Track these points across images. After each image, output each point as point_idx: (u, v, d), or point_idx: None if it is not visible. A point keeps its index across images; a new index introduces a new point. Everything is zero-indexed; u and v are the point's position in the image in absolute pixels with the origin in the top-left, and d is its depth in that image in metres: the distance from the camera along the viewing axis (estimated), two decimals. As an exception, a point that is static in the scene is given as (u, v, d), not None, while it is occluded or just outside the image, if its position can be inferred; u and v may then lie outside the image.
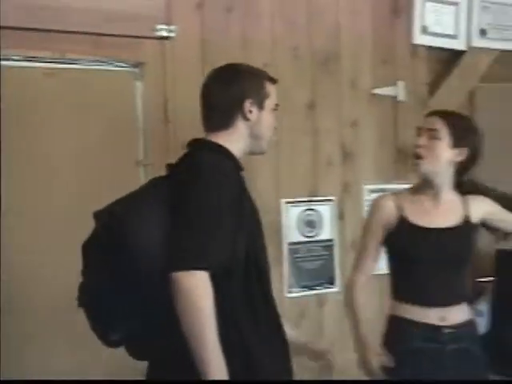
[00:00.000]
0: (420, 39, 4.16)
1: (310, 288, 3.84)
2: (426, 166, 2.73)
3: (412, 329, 2.73)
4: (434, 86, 4.25)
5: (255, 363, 2.18)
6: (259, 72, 2.45)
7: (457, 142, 2.72)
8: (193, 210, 2.12)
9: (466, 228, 2.77)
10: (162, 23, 3.47)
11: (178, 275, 2.04)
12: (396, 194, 2.88)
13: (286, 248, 3.78)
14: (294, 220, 3.79)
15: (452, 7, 4.26)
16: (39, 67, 3.27)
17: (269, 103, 2.39)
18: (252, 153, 2.41)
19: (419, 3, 4.14)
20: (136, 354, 2.30)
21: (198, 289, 2.04)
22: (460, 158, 2.76)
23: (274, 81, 2.43)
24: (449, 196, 2.80)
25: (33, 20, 3.17)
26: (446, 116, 2.76)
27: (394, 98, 4.10)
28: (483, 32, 4.33)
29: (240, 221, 2.21)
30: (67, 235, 3.27)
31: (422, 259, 2.72)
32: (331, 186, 3.93)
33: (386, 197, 2.88)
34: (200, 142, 2.37)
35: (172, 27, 3.48)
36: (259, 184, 3.67)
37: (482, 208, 2.82)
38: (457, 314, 2.75)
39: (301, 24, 3.83)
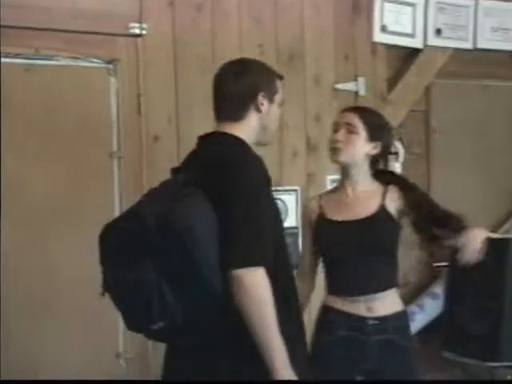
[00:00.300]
0: (380, 37, 4.27)
1: None
2: (345, 158, 2.80)
3: (339, 318, 2.79)
4: (392, 82, 4.37)
5: (296, 355, 2.29)
6: (270, 68, 2.54)
7: (372, 137, 2.80)
8: (242, 210, 2.20)
9: (382, 216, 2.79)
10: (134, 21, 3.57)
11: (241, 272, 2.15)
12: (321, 194, 2.97)
13: (253, 235, 3.90)
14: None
15: (410, 8, 4.37)
16: (17, 63, 3.34)
17: (277, 98, 2.48)
18: (258, 143, 2.48)
19: (379, 3, 4.25)
20: (168, 340, 2.36)
21: (261, 283, 2.17)
22: (375, 152, 2.83)
23: (281, 77, 2.52)
24: (367, 187, 2.85)
25: (8, 17, 3.23)
26: (362, 112, 2.85)
27: (355, 92, 4.21)
28: (439, 31, 4.45)
29: (277, 216, 2.38)
30: (43, 224, 3.40)
31: (341, 252, 2.78)
32: (296, 177, 4.05)
33: (310, 199, 3.00)
34: (223, 136, 2.41)
35: (144, 25, 3.58)
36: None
37: (398, 201, 2.83)
38: (383, 306, 2.77)
39: (267, 22, 3.94)
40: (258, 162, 2.33)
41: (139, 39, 3.60)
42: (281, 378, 2.19)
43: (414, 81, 4.44)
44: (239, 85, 2.41)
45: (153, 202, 2.25)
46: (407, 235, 4.48)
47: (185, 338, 2.28)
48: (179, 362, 2.37)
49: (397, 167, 4.30)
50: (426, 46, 4.44)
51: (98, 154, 3.55)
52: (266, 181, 2.32)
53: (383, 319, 2.78)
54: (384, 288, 2.80)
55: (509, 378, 4.34)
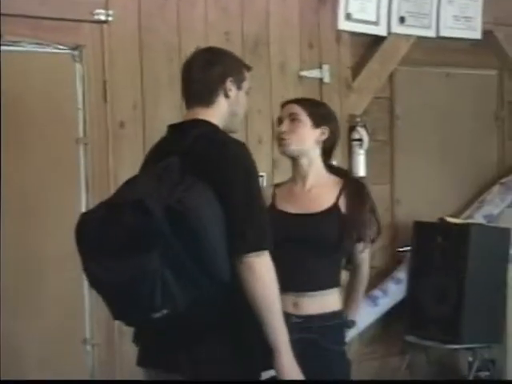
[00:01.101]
0: (344, 25, 4.29)
1: None
2: (293, 148, 2.77)
3: None
4: (356, 69, 4.41)
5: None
6: (237, 57, 2.59)
7: (317, 122, 2.76)
8: (244, 195, 2.25)
9: (331, 215, 2.72)
10: (100, 7, 3.55)
11: (249, 258, 2.21)
12: (277, 184, 2.95)
13: (219, 221, 3.94)
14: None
15: (374, -4, 4.38)
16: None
17: (245, 86, 2.52)
18: (227, 130, 2.50)
19: (344, -9, 4.26)
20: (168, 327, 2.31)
21: (267, 266, 2.24)
22: (323, 137, 2.79)
23: (248, 68, 2.57)
24: (320, 180, 2.80)
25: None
26: (302, 101, 2.83)
27: (320, 80, 4.24)
28: (402, 19, 4.48)
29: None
30: (9, 210, 3.39)
31: (282, 244, 2.58)
32: (262, 163, 4.00)
33: (268, 187, 2.99)
34: (200, 123, 2.43)
35: (110, 11, 3.57)
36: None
37: (349, 199, 2.76)
38: (311, 305, 2.71)
39: (233, 10, 3.95)
40: (244, 147, 2.37)
41: (105, 26, 3.58)
42: (284, 360, 2.26)
43: (378, 68, 4.47)
44: (209, 70, 2.45)
45: (155, 192, 2.22)
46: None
47: (185, 325, 2.28)
48: (163, 344, 2.36)
49: (361, 154, 4.37)
50: (389, 33, 4.47)
51: (63, 140, 3.55)
52: (255, 166, 2.35)
53: (308, 318, 2.70)
54: (317, 288, 2.73)
55: (470, 359, 4.44)
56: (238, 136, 3.90)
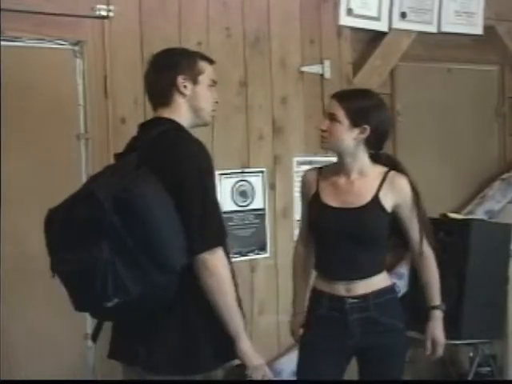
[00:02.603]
0: (345, 21, 4.29)
1: (243, 254, 3.99)
2: (330, 147, 2.83)
3: (321, 299, 2.86)
4: (357, 65, 4.40)
5: None
6: (191, 52, 2.62)
7: (355, 122, 2.75)
8: (197, 194, 2.34)
9: (374, 208, 2.78)
10: (101, 3, 3.55)
11: (203, 256, 2.33)
12: (321, 168, 2.95)
13: (220, 217, 3.95)
14: (228, 190, 3.93)
15: (375, -9, 4.38)
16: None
17: (203, 79, 2.55)
18: (197, 125, 2.58)
19: (345, -13, 4.25)
20: (121, 316, 2.42)
21: (220, 263, 2.36)
22: (363, 136, 2.77)
23: (208, 59, 2.60)
24: (363, 173, 2.83)
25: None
26: (343, 98, 2.80)
27: (321, 75, 4.24)
28: (403, 15, 4.49)
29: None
30: (9, 206, 3.39)
31: (328, 237, 2.82)
32: (262, 159, 4.08)
33: (310, 172, 2.99)
34: (161, 121, 2.51)
35: (111, 7, 3.57)
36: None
37: (395, 194, 2.82)
38: (363, 287, 2.80)
39: (233, 5, 3.94)
40: (200, 146, 2.43)
41: (106, 21, 3.58)
42: (246, 346, 2.40)
43: (379, 64, 4.47)
44: (159, 73, 2.53)
45: (107, 184, 2.31)
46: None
47: (137, 314, 2.38)
48: (126, 336, 2.48)
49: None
50: (391, 29, 4.47)
51: (65, 135, 3.55)
52: (210, 164, 2.43)
53: (363, 297, 2.81)
54: (365, 276, 2.83)
55: (471, 355, 4.44)
56: (238, 132, 3.99)
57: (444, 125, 4.85)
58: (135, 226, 2.24)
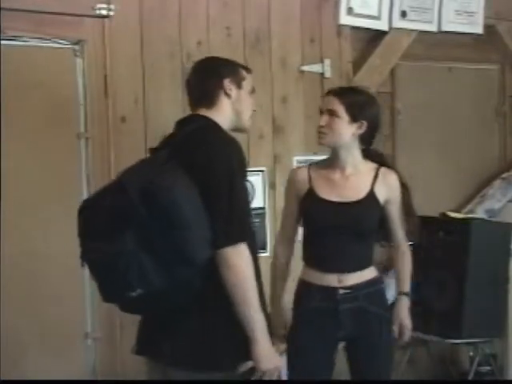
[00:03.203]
0: (346, 20, 4.29)
1: None
2: (329, 142, 2.89)
3: (311, 290, 2.93)
4: (357, 64, 4.39)
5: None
6: (233, 61, 2.71)
7: (354, 117, 2.85)
8: (225, 187, 2.35)
9: (369, 203, 2.88)
10: (101, 2, 3.55)
11: (226, 251, 2.33)
12: (310, 165, 3.02)
13: (220, 215, 3.94)
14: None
15: (375, -10, 4.38)
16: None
17: (246, 85, 2.64)
18: (235, 129, 2.63)
19: (345, -14, 4.25)
20: (145, 308, 2.43)
21: (244, 260, 2.35)
22: (360, 131, 2.88)
23: (247, 69, 2.69)
24: (357, 168, 2.92)
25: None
26: (342, 94, 2.88)
27: (321, 74, 4.24)
28: (404, 14, 4.48)
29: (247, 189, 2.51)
30: (9, 205, 3.38)
31: (323, 230, 2.89)
32: (263, 158, 4.08)
33: (299, 169, 3.04)
34: (198, 118, 2.56)
35: (111, 6, 3.57)
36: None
37: (387, 190, 2.93)
38: (354, 277, 2.90)
39: (234, 4, 3.95)
40: (233, 142, 2.46)
41: (106, 20, 3.58)
42: (261, 348, 2.36)
43: (380, 63, 4.47)
44: (207, 75, 2.61)
45: (136, 176, 2.35)
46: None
47: (162, 306, 2.38)
48: (152, 332, 2.48)
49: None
50: (391, 28, 4.46)
51: (65, 134, 3.55)
52: (241, 161, 2.44)
53: (354, 287, 2.90)
54: (357, 269, 2.92)
55: (471, 354, 4.44)
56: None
57: (444, 124, 4.84)
58: (160, 219, 2.26)
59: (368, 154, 2.97)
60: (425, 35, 4.61)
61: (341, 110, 2.85)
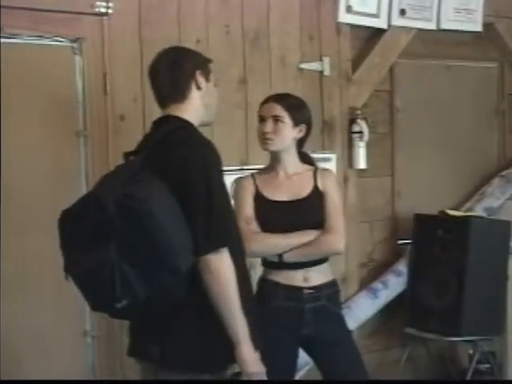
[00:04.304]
0: (345, 18, 4.29)
1: None
2: (276, 147, 3.03)
3: (275, 290, 3.03)
4: (356, 62, 4.40)
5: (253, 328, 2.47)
6: (200, 52, 2.70)
7: (296, 122, 3.03)
8: (202, 196, 2.35)
9: (316, 196, 3.04)
10: (100, 0, 3.54)
11: (207, 257, 2.34)
12: (252, 174, 3.14)
13: (219, 214, 3.95)
14: (228, 187, 3.91)
15: (375, -12, 4.37)
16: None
17: (212, 77, 2.64)
18: (203, 123, 2.62)
19: (344, -16, 4.25)
20: (132, 317, 2.49)
21: (226, 265, 2.36)
22: (301, 134, 3.06)
23: (210, 60, 2.67)
24: (297, 169, 3.08)
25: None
26: (283, 100, 3.05)
27: (320, 72, 4.24)
28: (403, 12, 4.48)
29: (227, 192, 2.51)
30: (8, 204, 3.38)
31: (276, 229, 2.99)
32: (262, 156, 4.05)
33: (245, 178, 3.14)
34: (171, 119, 2.54)
35: (110, 4, 3.56)
36: (194, 154, 3.85)
37: (324, 180, 3.08)
38: (318, 276, 3.04)
39: (233, 2, 3.94)
40: (208, 144, 2.45)
41: (105, 18, 3.57)
42: (244, 352, 2.37)
43: (379, 61, 4.47)
44: (177, 68, 2.56)
45: (111, 187, 2.34)
46: (371, 214, 4.58)
47: (148, 315, 2.41)
48: (141, 335, 2.51)
49: (361, 146, 4.37)
50: (390, 26, 4.46)
51: (64, 133, 3.55)
52: (218, 163, 2.43)
53: (317, 288, 3.04)
54: (318, 263, 3.05)
55: (470, 352, 4.45)
56: (238, 129, 3.99)
57: (443, 122, 4.85)
58: (138, 230, 2.26)
59: (300, 155, 3.13)
60: (424, 33, 4.62)
61: (285, 115, 3.01)
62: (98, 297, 2.36)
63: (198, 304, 2.38)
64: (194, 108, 2.56)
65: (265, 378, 2.47)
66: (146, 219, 2.25)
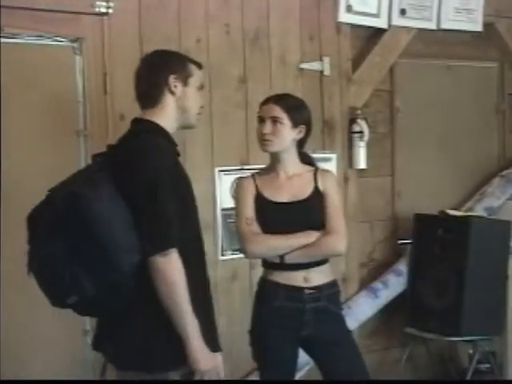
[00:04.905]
0: (345, 17, 4.29)
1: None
2: (275, 149, 3.03)
3: (276, 290, 3.03)
4: (357, 62, 4.40)
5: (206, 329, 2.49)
6: (183, 55, 2.72)
7: (296, 123, 3.02)
8: (148, 195, 2.39)
9: (316, 197, 3.04)
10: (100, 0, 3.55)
11: (154, 259, 2.37)
12: (253, 174, 3.14)
13: (219, 213, 3.93)
14: (227, 187, 3.92)
15: (375, -12, 4.37)
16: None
17: (193, 81, 2.63)
18: (183, 127, 2.66)
19: (345, -16, 4.25)
20: (87, 313, 2.59)
21: (172, 267, 2.38)
22: (300, 136, 3.05)
23: (198, 64, 2.68)
24: (297, 170, 3.08)
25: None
26: (282, 101, 3.03)
27: (320, 72, 4.25)
28: (403, 11, 4.48)
29: (182, 195, 2.50)
30: (8, 202, 3.39)
31: (276, 230, 2.99)
32: (262, 156, 4.05)
33: (246, 178, 3.15)
34: (138, 122, 2.63)
35: (110, 3, 3.56)
36: (194, 154, 3.82)
37: (325, 181, 3.07)
38: (318, 276, 3.03)
39: (233, 2, 3.94)
40: (162, 150, 2.48)
41: (105, 18, 3.58)
42: (194, 350, 2.40)
43: (379, 60, 4.47)
44: (151, 72, 2.61)
45: (65, 184, 2.45)
46: (372, 214, 4.58)
47: (102, 313, 2.50)
48: (101, 331, 2.59)
49: (361, 146, 4.37)
50: (390, 25, 4.46)
51: (64, 132, 3.55)
52: (169, 168, 2.45)
53: (318, 288, 3.03)
54: (320, 262, 3.04)
55: (470, 352, 4.45)
56: (238, 129, 3.99)
57: (443, 122, 4.85)
58: (85, 228, 2.32)
59: (301, 156, 3.12)
60: (424, 33, 4.62)
61: (284, 117, 3.00)
62: (51, 292, 2.43)
63: (149, 304, 2.41)
64: (167, 112, 2.59)
65: (220, 374, 2.50)
66: (89, 218, 2.32)
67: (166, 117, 2.58)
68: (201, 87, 2.67)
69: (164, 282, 2.37)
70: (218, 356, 2.52)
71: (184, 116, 2.62)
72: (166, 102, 2.59)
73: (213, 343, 2.50)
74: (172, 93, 2.58)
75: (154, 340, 2.43)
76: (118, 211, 2.37)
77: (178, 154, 2.62)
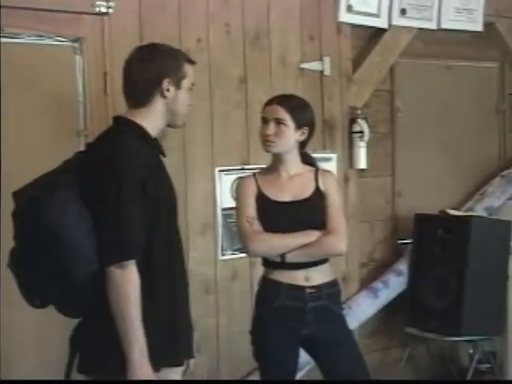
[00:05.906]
0: (345, 17, 4.29)
1: (242, 251, 3.99)
2: (278, 149, 3.03)
3: (277, 289, 3.03)
4: (357, 62, 4.40)
5: (178, 330, 2.46)
6: (178, 53, 2.57)
7: (299, 125, 3.02)
8: (108, 200, 2.31)
9: (318, 197, 3.05)
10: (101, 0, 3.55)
11: (109, 270, 2.30)
12: (254, 173, 3.14)
13: (219, 213, 3.93)
14: (227, 187, 3.93)
15: (375, -12, 4.37)
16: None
17: (186, 83, 2.51)
18: (168, 126, 2.56)
19: (345, -17, 4.25)
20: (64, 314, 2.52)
21: (127, 279, 2.30)
22: (303, 137, 3.06)
23: (192, 62, 2.56)
24: (299, 170, 3.09)
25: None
26: (286, 103, 3.03)
27: (321, 72, 4.25)
28: (403, 11, 4.48)
29: (162, 197, 2.43)
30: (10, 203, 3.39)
31: (278, 229, 2.99)
32: (263, 155, 4.06)
33: (247, 177, 3.14)
34: (117, 122, 2.52)
35: (111, 3, 3.56)
36: (194, 154, 3.83)
37: (325, 181, 3.08)
38: (319, 275, 3.04)
39: (233, 1, 3.94)
40: (131, 154, 2.36)
41: (106, 18, 3.58)
42: (133, 369, 2.29)
43: (379, 60, 4.47)
44: (144, 71, 2.46)
45: (29, 186, 2.39)
46: (372, 214, 4.58)
47: (66, 315, 2.47)
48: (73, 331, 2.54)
49: (362, 146, 4.37)
50: (390, 25, 4.47)
51: (64, 132, 3.55)
52: (135, 174, 2.34)
53: (318, 288, 3.04)
54: (319, 262, 3.04)
55: (470, 351, 4.45)
56: (239, 129, 3.99)
57: (444, 122, 4.85)
58: (39, 232, 2.28)
59: (302, 156, 3.13)
60: (424, 33, 4.62)
61: (287, 118, 3.00)
62: (21, 292, 2.43)
63: (105, 313, 2.33)
64: (155, 114, 2.48)
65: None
66: (43, 223, 2.27)
67: (153, 118, 2.47)
68: (192, 86, 2.55)
69: (115, 292, 2.29)
70: (178, 369, 2.47)
71: (172, 118, 2.52)
72: (155, 105, 2.47)
73: (189, 350, 2.49)
74: (164, 97, 2.46)
75: (104, 349, 2.37)
76: (76, 217, 2.29)
77: (163, 155, 2.52)
